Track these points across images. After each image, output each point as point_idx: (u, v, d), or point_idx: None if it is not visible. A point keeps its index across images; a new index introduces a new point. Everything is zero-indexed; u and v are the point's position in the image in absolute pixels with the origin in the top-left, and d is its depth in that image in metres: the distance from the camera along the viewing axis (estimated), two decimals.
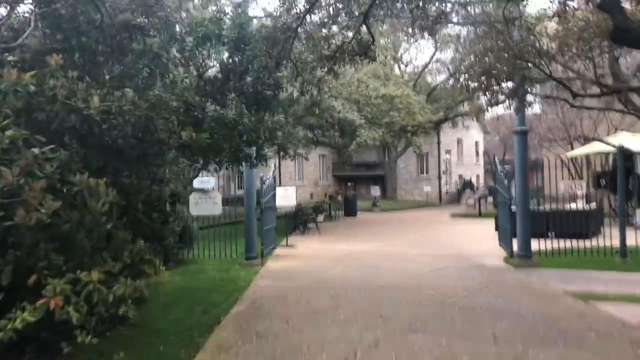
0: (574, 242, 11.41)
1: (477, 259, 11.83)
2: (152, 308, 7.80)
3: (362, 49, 8.12)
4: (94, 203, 4.71)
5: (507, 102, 9.76)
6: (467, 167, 46.57)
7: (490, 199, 30.95)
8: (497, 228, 15.99)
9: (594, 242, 11.45)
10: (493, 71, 8.19)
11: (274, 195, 13.54)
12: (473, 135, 48.00)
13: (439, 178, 41.80)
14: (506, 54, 7.93)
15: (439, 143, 41.13)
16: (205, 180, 11.70)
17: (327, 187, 43.12)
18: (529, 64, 8.19)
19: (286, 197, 15.23)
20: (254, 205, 11.65)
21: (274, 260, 12.36)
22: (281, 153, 28.54)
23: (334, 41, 8.56)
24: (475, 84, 8.75)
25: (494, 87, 8.41)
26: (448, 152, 43.17)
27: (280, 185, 33.76)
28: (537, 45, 8.20)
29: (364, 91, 18.31)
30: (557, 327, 6.24)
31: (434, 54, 36.96)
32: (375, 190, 33.03)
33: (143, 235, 8.67)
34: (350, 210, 27.32)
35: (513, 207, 10.93)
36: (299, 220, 18.97)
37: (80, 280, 4.51)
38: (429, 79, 39.32)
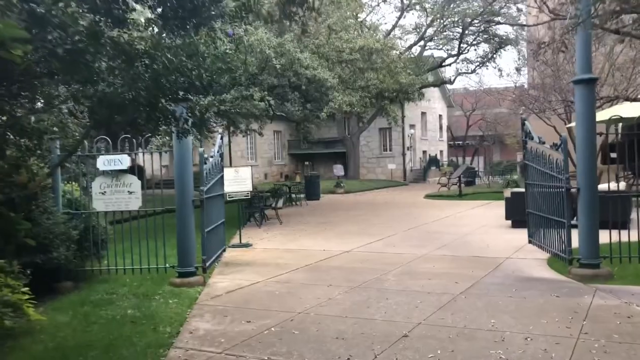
0: (615, 235, 7.99)
1: (513, 266, 8.39)
2: None
3: None
4: None
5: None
6: (431, 142, 43.69)
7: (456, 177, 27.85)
8: (508, 216, 12.74)
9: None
10: None
11: (222, 179, 9.71)
12: (437, 108, 45.06)
13: (404, 155, 38.65)
14: None
15: (403, 117, 37.80)
16: (114, 160, 7.74)
17: (282, 167, 39.37)
18: None
19: (238, 181, 11.41)
20: (190, 197, 7.78)
21: (223, 272, 8.59)
22: (231, 128, 24.66)
23: None
24: None
25: None
26: (412, 126, 40.00)
27: (230, 165, 29.84)
28: None
29: (336, 43, 14.48)
30: None
31: (399, 18, 33.40)
32: (339, 170, 29.55)
33: None
34: (312, 192, 23.67)
35: (572, 190, 7.49)
36: (254, 209, 15.18)
37: None
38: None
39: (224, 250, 9.93)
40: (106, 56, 4.97)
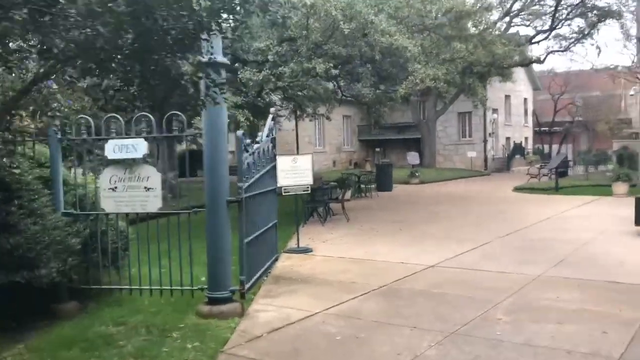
0: None
1: None
2: None
3: None
4: None
5: None
6: (515, 128, 40.04)
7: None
8: None
9: None
10: None
11: (274, 170, 7.67)
12: (522, 91, 41.22)
13: (485, 141, 35.37)
14: None
15: (485, 99, 34.46)
16: (126, 145, 5.84)
17: (352, 154, 37.16)
18: None
19: (297, 172, 9.35)
20: (224, 197, 5.76)
21: (270, 292, 6.58)
22: (297, 112, 22.84)
23: None
24: None
25: None
26: (495, 111, 36.54)
27: (297, 152, 27.99)
28: None
29: (417, 5, 11.98)
30: None
31: None
32: (413, 157, 27.03)
33: None
34: (384, 182, 21.34)
35: None
36: (318, 203, 13.11)
37: None
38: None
39: (276, 260, 7.91)
40: None
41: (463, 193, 20.09)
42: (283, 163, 9.00)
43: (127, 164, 5.91)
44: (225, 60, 5.30)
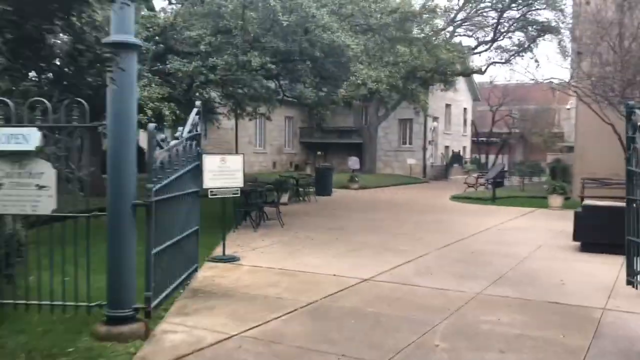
0: None
1: (622, 327, 5.52)
2: None
3: None
4: None
5: None
6: (454, 137, 40.52)
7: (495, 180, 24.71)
8: (577, 236, 9.77)
9: None
10: None
11: (196, 170, 6.88)
12: (462, 101, 41.82)
13: (424, 149, 35.55)
14: None
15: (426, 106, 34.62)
16: (15, 135, 4.95)
17: (292, 156, 36.54)
18: None
19: (225, 174, 8.60)
20: (130, 200, 4.98)
21: (184, 308, 5.82)
22: (238, 110, 21.98)
23: None
24: None
25: None
26: (435, 119, 36.81)
27: (236, 152, 27.06)
28: None
29: (362, 3, 11.39)
30: None
31: None
32: (354, 162, 26.59)
33: None
34: (323, 186, 20.83)
35: None
36: (251, 206, 12.36)
37: None
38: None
39: (196, 270, 7.12)
40: None
41: (402, 200, 19.82)
42: (210, 163, 8.25)
43: (17, 157, 5.02)
44: (128, 39, 4.52)
